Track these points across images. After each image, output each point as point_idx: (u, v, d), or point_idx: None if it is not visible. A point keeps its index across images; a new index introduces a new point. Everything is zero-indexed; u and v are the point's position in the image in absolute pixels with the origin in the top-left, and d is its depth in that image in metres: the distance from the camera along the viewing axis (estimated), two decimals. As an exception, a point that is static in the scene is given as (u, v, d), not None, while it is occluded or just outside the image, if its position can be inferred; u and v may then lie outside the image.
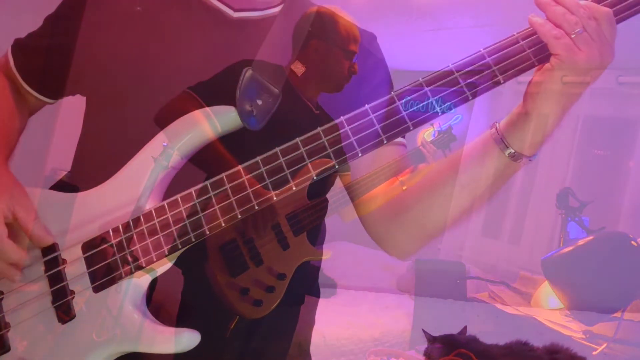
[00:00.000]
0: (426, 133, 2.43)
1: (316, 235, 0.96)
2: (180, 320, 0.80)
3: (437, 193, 0.84)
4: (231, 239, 0.84)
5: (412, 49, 3.40)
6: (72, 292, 0.76)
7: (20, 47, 0.97)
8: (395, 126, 0.71)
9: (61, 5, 0.95)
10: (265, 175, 0.73)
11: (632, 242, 2.33)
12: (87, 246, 0.77)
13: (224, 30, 0.88)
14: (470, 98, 0.70)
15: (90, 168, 0.88)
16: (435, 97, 0.70)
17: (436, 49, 3.25)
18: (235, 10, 0.89)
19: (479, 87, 0.70)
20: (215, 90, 0.80)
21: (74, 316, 0.75)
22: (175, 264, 0.77)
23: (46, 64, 0.93)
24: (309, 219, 0.93)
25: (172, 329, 0.73)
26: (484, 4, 2.70)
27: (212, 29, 0.88)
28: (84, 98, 0.93)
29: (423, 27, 3.18)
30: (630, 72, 3.03)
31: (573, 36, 0.67)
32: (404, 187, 0.89)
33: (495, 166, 0.77)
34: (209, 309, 0.85)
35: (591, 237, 2.46)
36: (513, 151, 0.74)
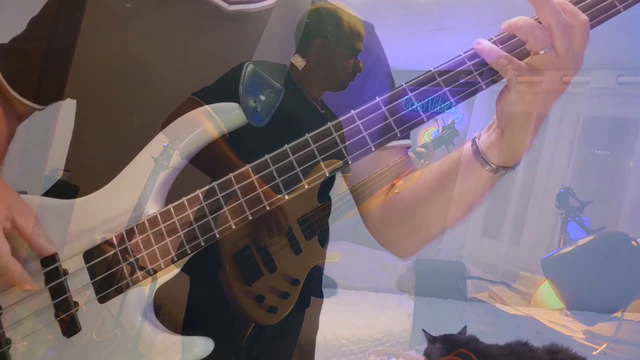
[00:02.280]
0: (426, 133, 2.43)
1: (325, 238, 0.95)
2: (190, 328, 0.77)
3: (430, 205, 0.84)
4: (244, 247, 0.82)
5: (412, 49, 3.40)
6: (76, 303, 0.73)
7: (5, 52, 0.94)
8: (409, 119, 0.69)
9: (46, 6, 0.92)
10: (275, 174, 0.70)
11: (632, 242, 2.33)
12: (89, 255, 0.73)
13: (219, 24, 0.86)
14: (484, 87, 0.68)
15: (85, 171, 0.86)
16: (449, 88, 0.68)
17: (436, 49, 3.25)
18: (230, 4, 0.87)
19: (494, 77, 0.68)
20: (219, 94, 0.78)
21: (80, 329, 0.72)
22: (184, 271, 0.75)
23: (33, 68, 0.90)
24: (320, 222, 0.92)
25: (186, 338, 0.71)
26: (484, 4, 2.70)
27: (206, 24, 0.86)
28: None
29: (423, 27, 3.18)
30: (630, 72, 3.03)
31: (542, 52, 0.65)
32: (397, 191, 0.89)
33: (480, 179, 0.77)
34: (220, 316, 0.83)
35: (591, 237, 2.47)
36: (495, 166, 0.74)
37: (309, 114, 0.86)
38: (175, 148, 0.74)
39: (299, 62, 0.83)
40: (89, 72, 0.85)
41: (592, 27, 0.67)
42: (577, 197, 2.77)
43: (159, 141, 0.75)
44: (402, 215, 0.89)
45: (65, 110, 0.99)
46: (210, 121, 0.74)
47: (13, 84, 0.92)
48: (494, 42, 0.69)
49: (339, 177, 0.95)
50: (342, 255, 3.33)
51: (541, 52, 0.66)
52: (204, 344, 0.70)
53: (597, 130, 3.29)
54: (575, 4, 0.67)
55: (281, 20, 0.87)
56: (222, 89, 0.79)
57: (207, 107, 0.74)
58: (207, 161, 0.76)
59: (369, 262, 3.41)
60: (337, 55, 0.88)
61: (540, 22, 0.66)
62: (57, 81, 0.87)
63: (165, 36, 0.85)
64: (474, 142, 0.76)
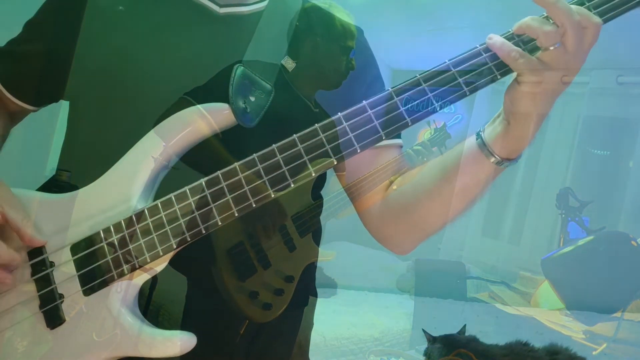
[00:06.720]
0: (426, 133, 2.43)
1: (319, 235, 0.95)
2: (186, 326, 0.77)
3: (432, 199, 0.85)
4: (238, 242, 0.82)
5: (412, 49, 3.40)
6: (62, 295, 0.73)
7: (0, 55, 0.94)
8: (394, 122, 0.70)
9: (41, 10, 0.93)
10: (262, 172, 0.71)
11: (632, 242, 2.33)
12: (76, 248, 0.74)
13: (210, 26, 0.87)
14: (468, 94, 0.70)
15: (78, 171, 0.87)
16: (433, 94, 0.70)
17: (436, 49, 3.25)
18: (221, 6, 0.87)
19: (476, 83, 0.70)
20: (212, 94, 0.78)
21: (64, 320, 0.73)
22: (181, 266, 0.76)
23: (27, 70, 0.91)
24: (314, 220, 0.92)
25: (168, 332, 0.71)
26: (484, 4, 2.71)
27: (198, 26, 0.87)
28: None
29: (423, 27, 3.18)
30: (630, 72, 3.03)
31: (552, 49, 0.67)
32: (394, 187, 0.89)
33: (484, 172, 0.78)
34: (215, 313, 0.83)
35: (591, 237, 2.47)
36: (499, 158, 0.75)
37: (301, 112, 0.86)
38: (168, 146, 0.74)
39: (289, 64, 0.84)
40: (82, 74, 0.86)
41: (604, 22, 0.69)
42: (577, 197, 2.78)
43: (149, 139, 0.76)
44: (404, 211, 0.89)
45: (66, 111, 1.00)
46: (202, 120, 0.74)
47: (7, 84, 0.93)
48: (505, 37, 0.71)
49: (333, 176, 0.95)
50: (342, 255, 3.33)
51: (551, 48, 0.68)
52: (186, 339, 0.70)
53: (597, 130, 3.29)
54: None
55: (273, 21, 0.88)
56: (215, 89, 0.80)
57: (199, 106, 0.75)
58: (200, 159, 0.77)
59: (369, 262, 3.42)
60: (329, 53, 0.88)
61: (549, 20, 0.68)
62: (52, 83, 0.88)
63: (157, 38, 0.86)
64: (478, 135, 0.77)
